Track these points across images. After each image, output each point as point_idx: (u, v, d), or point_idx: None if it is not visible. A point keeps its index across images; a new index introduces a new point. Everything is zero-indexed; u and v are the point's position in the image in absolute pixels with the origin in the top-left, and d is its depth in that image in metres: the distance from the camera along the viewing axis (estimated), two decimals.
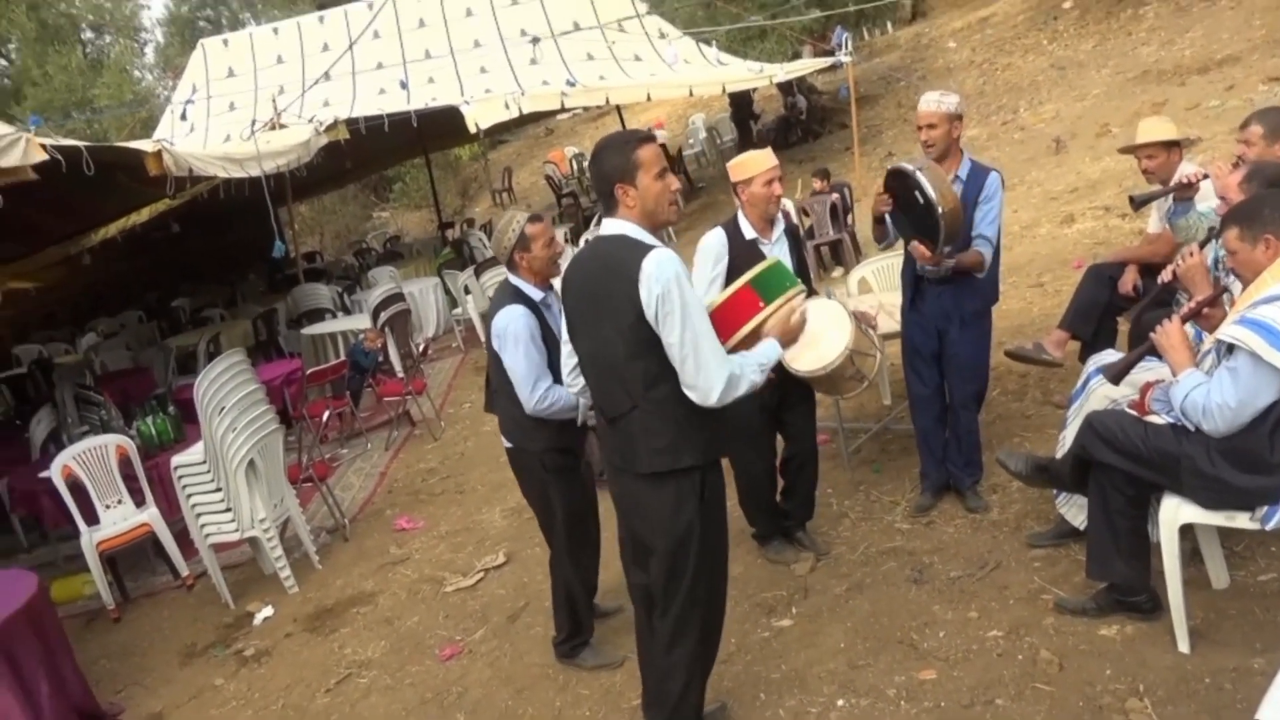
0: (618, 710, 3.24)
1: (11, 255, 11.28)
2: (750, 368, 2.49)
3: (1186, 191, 3.74)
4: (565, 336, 2.81)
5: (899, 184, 3.59)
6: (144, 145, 6.50)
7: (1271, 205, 2.66)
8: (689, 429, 2.51)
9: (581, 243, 11.54)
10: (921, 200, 3.46)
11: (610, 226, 2.53)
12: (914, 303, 3.96)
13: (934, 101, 3.79)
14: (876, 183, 4.08)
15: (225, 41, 14.63)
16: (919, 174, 3.43)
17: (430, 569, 4.94)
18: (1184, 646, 2.79)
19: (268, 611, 4.84)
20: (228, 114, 12.75)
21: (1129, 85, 11.53)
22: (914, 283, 3.93)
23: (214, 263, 17.16)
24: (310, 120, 10.24)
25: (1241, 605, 2.95)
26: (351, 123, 10.33)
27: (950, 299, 3.84)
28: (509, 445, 3.50)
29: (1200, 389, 2.62)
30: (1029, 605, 3.22)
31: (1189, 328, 2.92)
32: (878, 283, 5.60)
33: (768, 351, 2.57)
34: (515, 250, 3.32)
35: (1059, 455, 3.31)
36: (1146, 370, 3.11)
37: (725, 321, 2.62)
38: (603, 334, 2.52)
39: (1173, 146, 4.16)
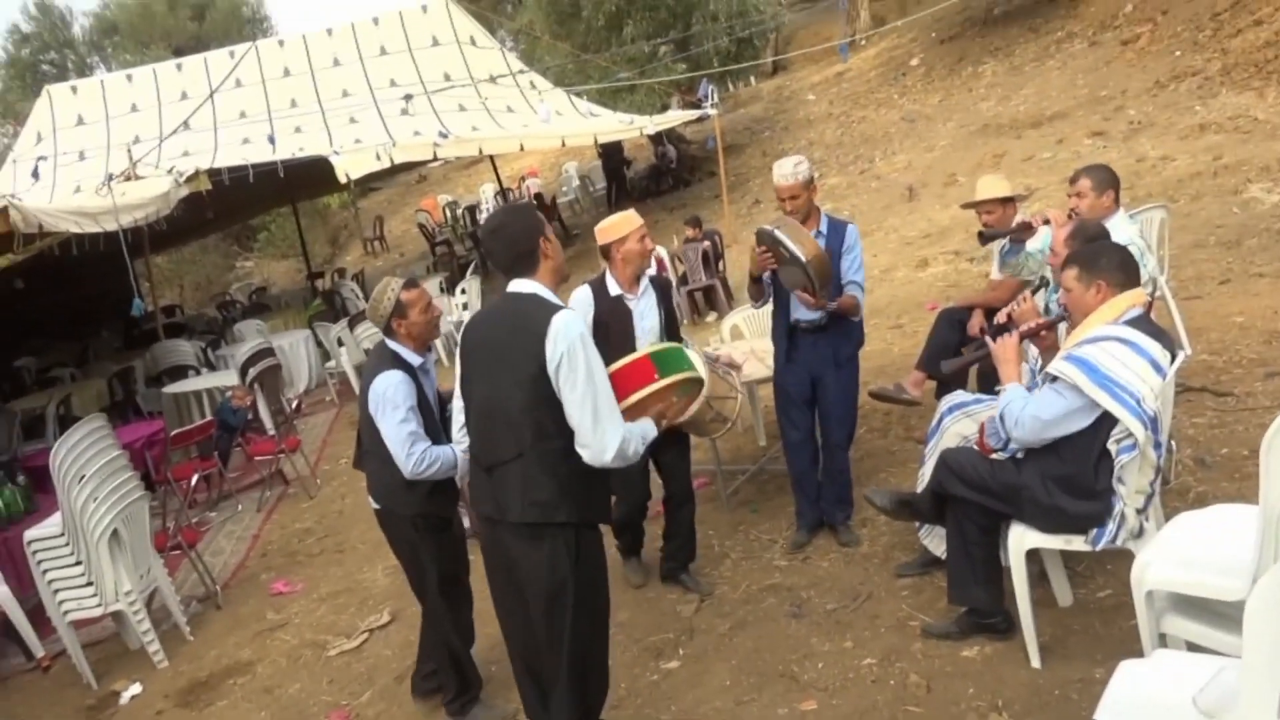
0: None
1: None
2: (636, 437, 2.58)
3: (1026, 233, 4.14)
4: (458, 389, 2.82)
5: (769, 243, 3.81)
6: None
7: (1109, 257, 2.98)
8: (571, 485, 2.57)
9: (458, 293, 11.53)
10: (788, 255, 3.69)
11: (522, 285, 2.64)
12: (789, 354, 4.13)
13: (790, 175, 3.93)
14: (745, 231, 4.30)
15: (74, 88, 13.98)
16: (777, 232, 3.69)
17: (311, 633, 4.80)
18: (1036, 662, 3.02)
19: (135, 689, 4.60)
20: (77, 164, 12.16)
21: (972, 137, 12.42)
22: (788, 335, 4.11)
23: (63, 319, 16.17)
24: (169, 171, 9.90)
25: (1084, 621, 3.22)
26: (214, 173, 10.04)
27: (826, 345, 4.05)
28: (377, 507, 3.45)
29: (1019, 400, 2.92)
30: (899, 632, 3.42)
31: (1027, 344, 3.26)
32: (749, 329, 5.84)
33: (646, 429, 2.67)
34: (393, 318, 3.31)
35: (919, 490, 3.55)
36: (988, 409, 3.38)
37: (618, 386, 2.70)
38: (501, 383, 2.58)
39: (1008, 201, 4.57)
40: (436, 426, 3.36)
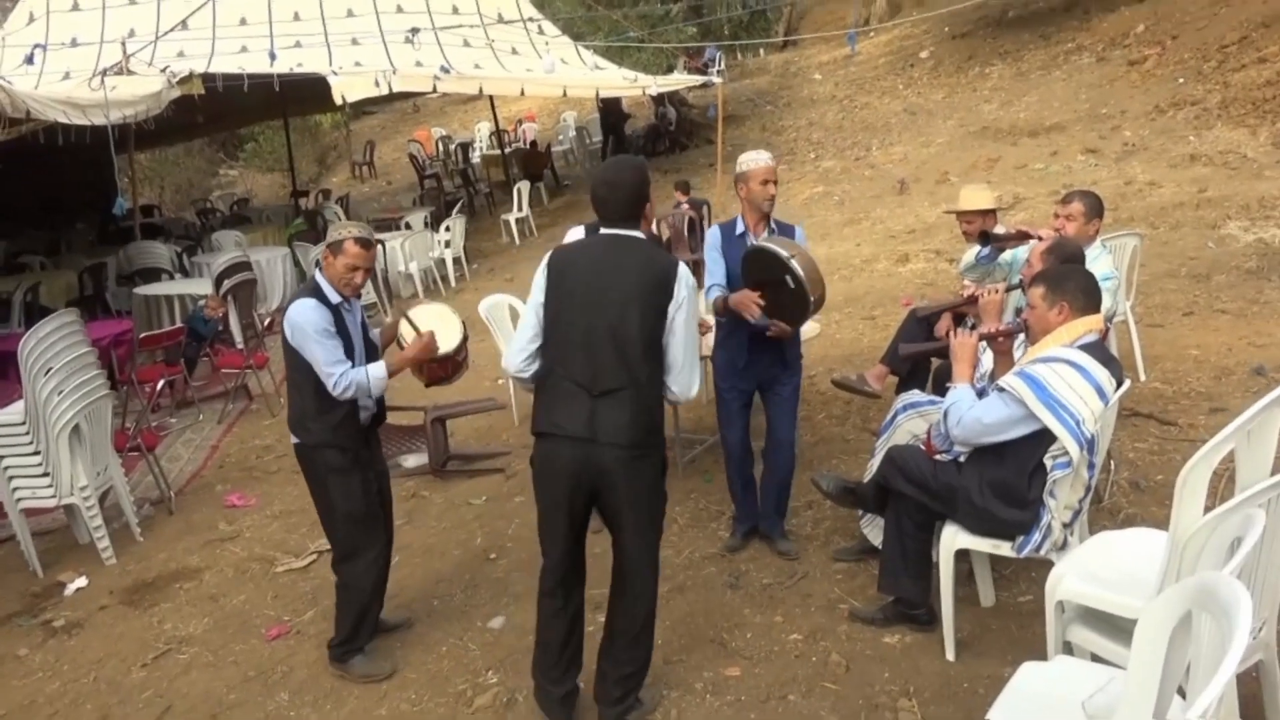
0: (442, 693, 3.38)
1: None
2: None
3: (1023, 240, 4.20)
4: (536, 313, 2.88)
5: (760, 264, 3.62)
6: None
7: (1076, 281, 3.10)
8: (660, 415, 2.93)
9: (442, 229, 11.50)
10: (791, 284, 3.52)
11: (631, 231, 2.91)
12: (746, 365, 3.95)
13: (765, 159, 3.87)
14: (736, 204, 4.23)
15: None
16: (792, 261, 3.49)
17: (261, 548, 4.89)
18: (951, 655, 3.18)
19: (81, 582, 4.67)
20: (68, 50, 11.88)
21: (970, 138, 12.50)
22: (747, 345, 3.90)
23: (36, 206, 15.90)
24: (163, 70, 9.73)
25: (1002, 622, 3.39)
26: (208, 78, 9.91)
27: (776, 349, 3.91)
28: (295, 440, 3.50)
29: (966, 402, 3.06)
30: (827, 613, 3.57)
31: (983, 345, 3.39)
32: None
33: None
34: (328, 249, 3.38)
35: (865, 480, 3.69)
36: (940, 409, 3.51)
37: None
38: (628, 317, 2.79)
39: (989, 213, 4.68)
40: (355, 357, 3.43)
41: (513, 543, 4.56)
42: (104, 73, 8.56)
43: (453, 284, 11.36)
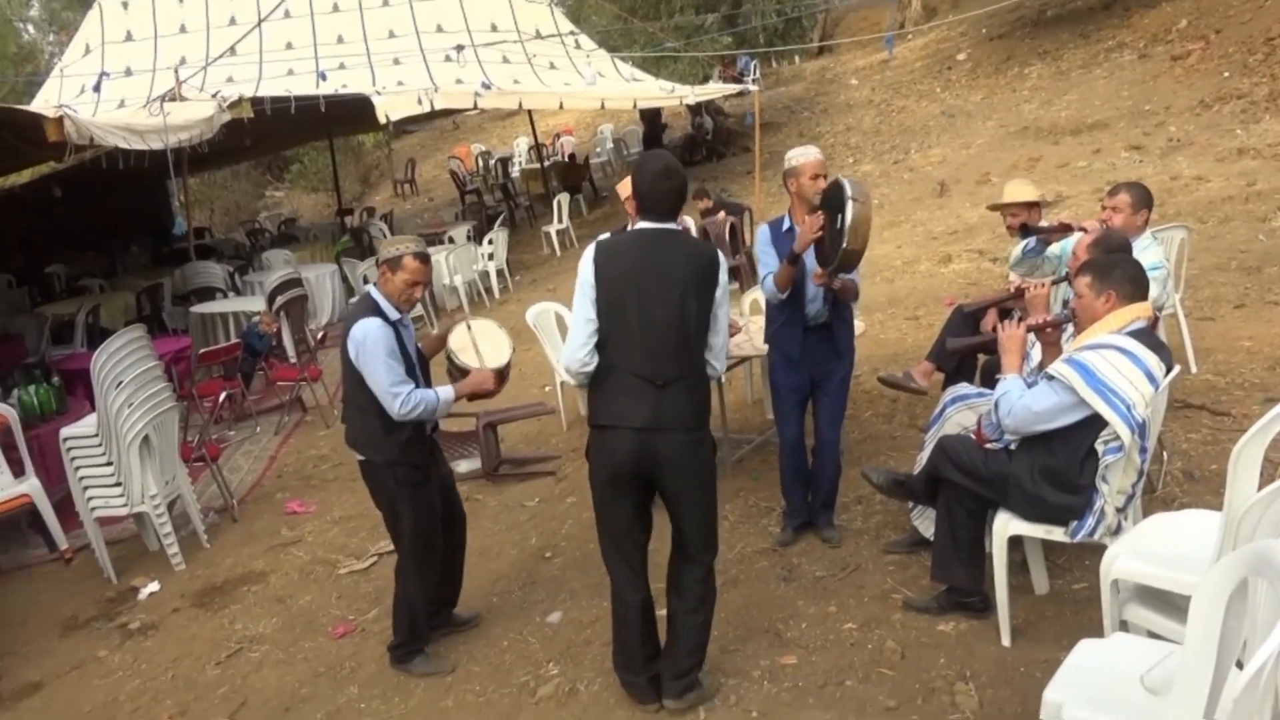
0: (506, 685, 3.47)
1: None
2: None
3: (1065, 233, 4.25)
4: (589, 309, 2.92)
5: (831, 193, 3.66)
6: (45, 110, 6.36)
7: (1124, 270, 3.13)
8: (709, 397, 3.13)
9: (485, 243, 11.68)
10: (837, 225, 3.58)
11: (671, 225, 3.00)
12: (799, 356, 4.00)
13: (815, 153, 3.93)
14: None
15: (125, 4, 14.05)
16: (850, 204, 3.49)
17: (323, 551, 5.05)
18: (1006, 641, 3.21)
19: (154, 587, 4.86)
20: (124, 79, 12.32)
21: (1010, 139, 12.43)
22: (803, 335, 3.98)
23: (94, 230, 16.44)
24: (214, 95, 10.05)
25: (1057, 609, 3.41)
26: (257, 102, 10.20)
27: (829, 341, 4.00)
28: (360, 458, 3.56)
29: (1016, 391, 3.09)
30: (881, 603, 3.61)
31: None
32: (753, 307, 5.98)
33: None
34: (385, 264, 3.45)
35: (916, 472, 3.73)
36: (989, 403, 3.54)
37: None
38: (687, 308, 2.91)
39: (1033, 206, 4.69)
40: (415, 374, 3.50)
41: (566, 541, 4.65)
42: (161, 99, 8.87)
43: (496, 296, 11.53)
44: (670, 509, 3.06)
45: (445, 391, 3.51)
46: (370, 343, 3.32)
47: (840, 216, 3.56)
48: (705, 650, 3.16)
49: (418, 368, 3.57)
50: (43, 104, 11.17)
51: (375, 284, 3.55)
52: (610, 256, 2.96)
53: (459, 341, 3.79)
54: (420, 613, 3.63)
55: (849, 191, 3.53)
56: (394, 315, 3.46)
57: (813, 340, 3.99)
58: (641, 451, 2.92)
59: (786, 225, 3.99)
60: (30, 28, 27.70)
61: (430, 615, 3.71)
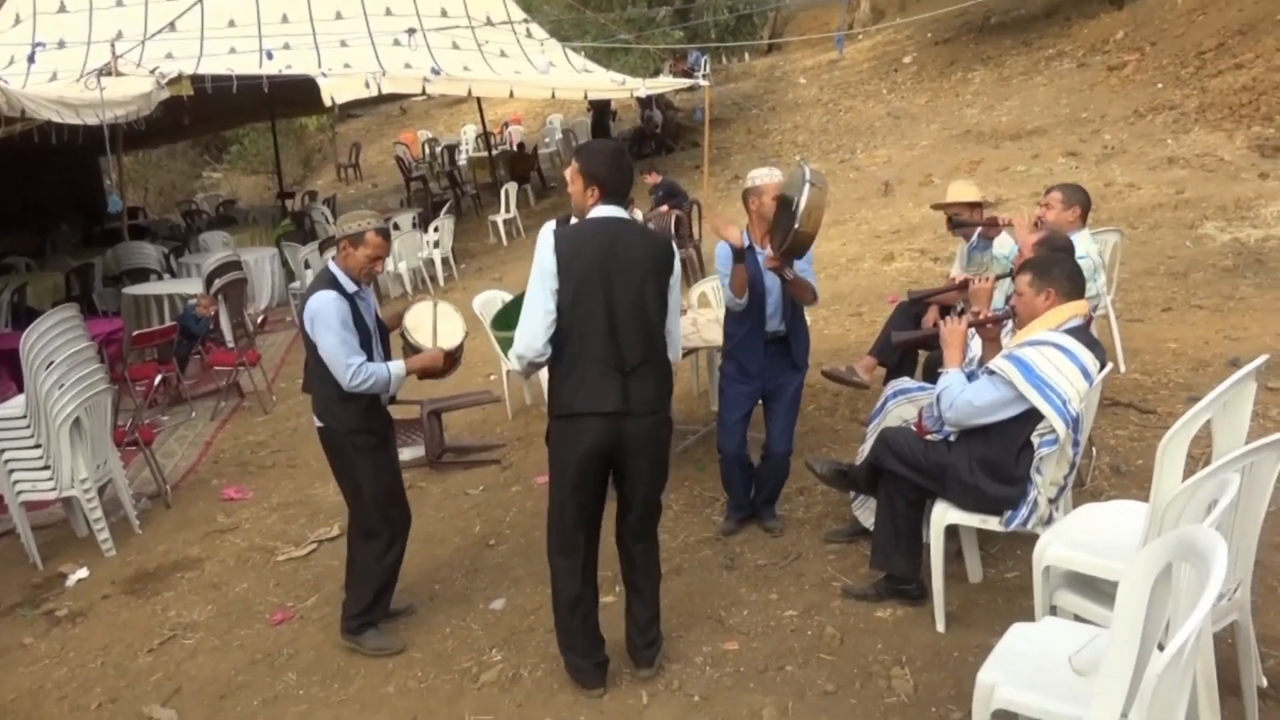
0: (448, 671, 3.46)
1: None
2: None
3: (993, 230, 4.39)
4: (549, 299, 2.91)
5: (791, 181, 3.72)
6: None
7: (1061, 268, 3.23)
8: (671, 380, 3.18)
9: (431, 230, 11.55)
10: (791, 207, 3.59)
11: (621, 212, 3.05)
12: (758, 369, 4.02)
13: (778, 176, 3.97)
14: (721, 204, 4.39)
15: None
16: (807, 187, 3.52)
17: (260, 538, 4.95)
18: (941, 627, 3.30)
19: (83, 573, 4.72)
20: (56, 51, 11.89)
21: (953, 141, 12.70)
22: (763, 350, 4.00)
23: (20, 207, 15.85)
24: (152, 71, 9.77)
25: (990, 596, 3.51)
26: (197, 80, 9.95)
27: (787, 353, 4.04)
28: (320, 425, 3.60)
29: (958, 385, 3.18)
30: (821, 590, 3.68)
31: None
32: (716, 298, 6.04)
33: None
34: (346, 239, 3.44)
35: (858, 463, 3.80)
36: (929, 396, 3.63)
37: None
38: (646, 293, 2.98)
39: (975, 207, 4.82)
40: (372, 346, 3.53)
41: (510, 529, 4.64)
42: (97, 73, 8.59)
43: (441, 284, 11.42)
44: (626, 488, 3.10)
45: (396, 366, 3.53)
46: (324, 314, 3.34)
47: (796, 199, 3.58)
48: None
49: (376, 338, 3.59)
50: None
51: (333, 259, 3.54)
52: (573, 245, 2.95)
53: (415, 320, 3.81)
54: (388, 582, 3.66)
55: (807, 175, 3.57)
56: (351, 288, 3.47)
57: (771, 353, 4.02)
58: (611, 437, 2.97)
59: (747, 241, 3.96)
60: None
61: (392, 586, 3.72)
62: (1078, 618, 2.66)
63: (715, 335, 4.97)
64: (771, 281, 3.92)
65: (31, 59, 9.94)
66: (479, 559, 4.37)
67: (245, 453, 6.50)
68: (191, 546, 4.96)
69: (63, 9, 12.78)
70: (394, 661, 3.56)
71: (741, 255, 3.80)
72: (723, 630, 3.48)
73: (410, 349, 3.74)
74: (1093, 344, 3.19)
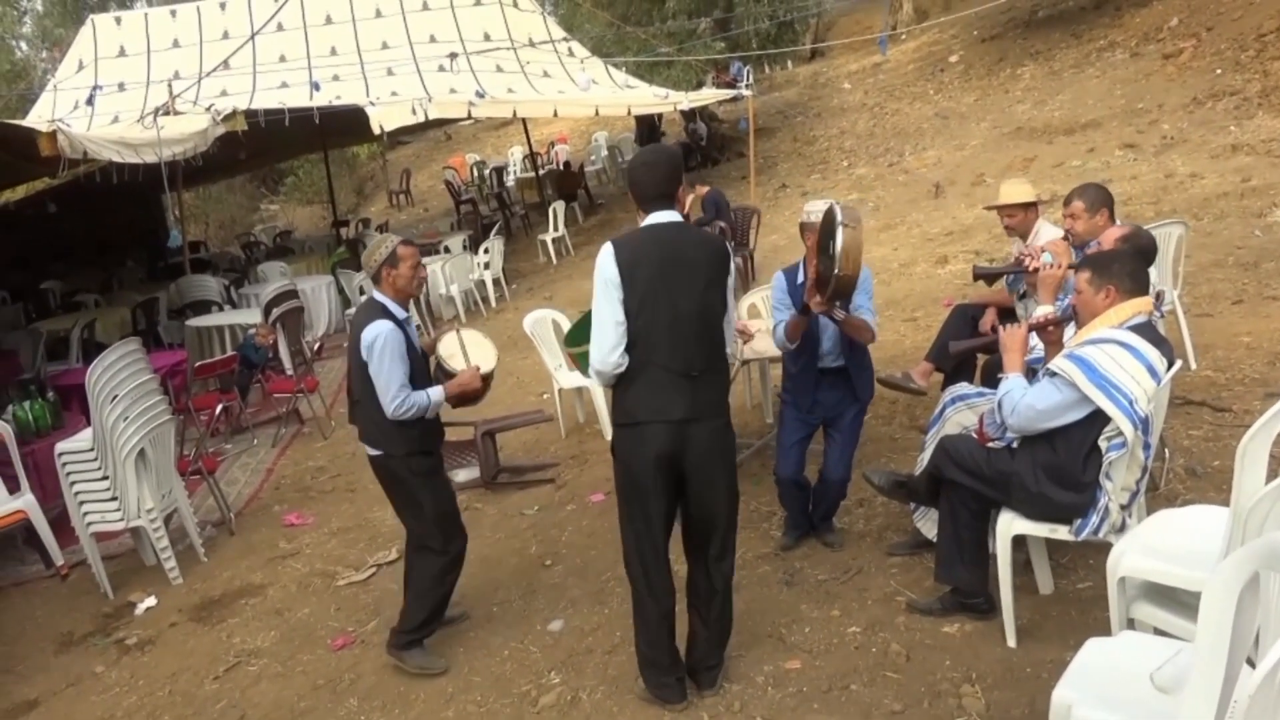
0: (507, 694, 3.43)
1: None
2: None
3: (1019, 268, 4.17)
4: (618, 310, 2.92)
5: (825, 222, 3.60)
6: (38, 125, 6.34)
7: (1122, 264, 3.11)
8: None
9: (481, 252, 11.65)
10: (829, 251, 3.50)
11: (671, 216, 3.02)
12: (811, 405, 3.97)
13: (821, 208, 3.77)
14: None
15: (118, 19, 14.12)
16: (840, 229, 3.38)
17: (321, 563, 5.00)
18: (1012, 642, 3.18)
19: (150, 602, 4.81)
20: (117, 94, 12.31)
21: (1004, 139, 12.43)
22: (815, 383, 3.94)
23: (89, 245, 16.41)
24: (208, 108, 10.04)
25: (1062, 609, 3.38)
26: (251, 114, 10.18)
27: (846, 385, 3.94)
28: (374, 454, 3.63)
29: (1019, 390, 3.07)
30: (884, 605, 3.58)
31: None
32: (766, 309, 5.96)
33: None
34: (384, 266, 3.53)
35: (917, 473, 3.70)
36: (988, 402, 3.52)
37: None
38: (710, 299, 2.99)
39: (1030, 206, 4.67)
40: (420, 372, 3.61)
41: (566, 549, 4.62)
42: (155, 113, 8.85)
43: (493, 304, 11.51)
44: (696, 500, 3.07)
45: (435, 392, 3.59)
46: (380, 345, 3.41)
47: (831, 243, 3.49)
48: (729, 637, 3.26)
49: (421, 367, 3.67)
50: (36, 119, 11.16)
51: (377, 288, 3.61)
52: (633, 255, 2.96)
53: (448, 348, 3.88)
54: (443, 600, 3.73)
55: (839, 217, 3.45)
56: (401, 315, 3.56)
57: (826, 385, 3.94)
58: (679, 443, 2.96)
59: (801, 278, 3.92)
60: (23, 44, 27.73)
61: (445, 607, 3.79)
62: (1158, 631, 2.54)
63: (766, 346, 4.91)
64: (825, 322, 3.84)
65: (90, 101, 10.27)
66: (536, 580, 4.36)
67: (305, 478, 6.59)
68: (255, 573, 5.03)
69: (122, 53, 13.26)
70: (453, 686, 3.55)
71: (807, 309, 3.71)
72: (784, 649, 3.41)
73: (445, 376, 3.79)
74: (1159, 341, 3.05)
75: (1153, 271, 4.07)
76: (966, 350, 4.16)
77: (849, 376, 3.95)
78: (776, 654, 3.38)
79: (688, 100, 13.19)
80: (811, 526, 4.23)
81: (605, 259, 2.95)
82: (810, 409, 3.99)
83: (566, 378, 6.10)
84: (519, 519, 5.12)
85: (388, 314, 3.51)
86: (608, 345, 2.95)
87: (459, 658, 3.75)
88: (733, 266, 3.08)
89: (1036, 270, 3.55)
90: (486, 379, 3.84)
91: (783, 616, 3.62)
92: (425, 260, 11.27)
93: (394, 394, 3.42)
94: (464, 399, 3.78)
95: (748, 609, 3.72)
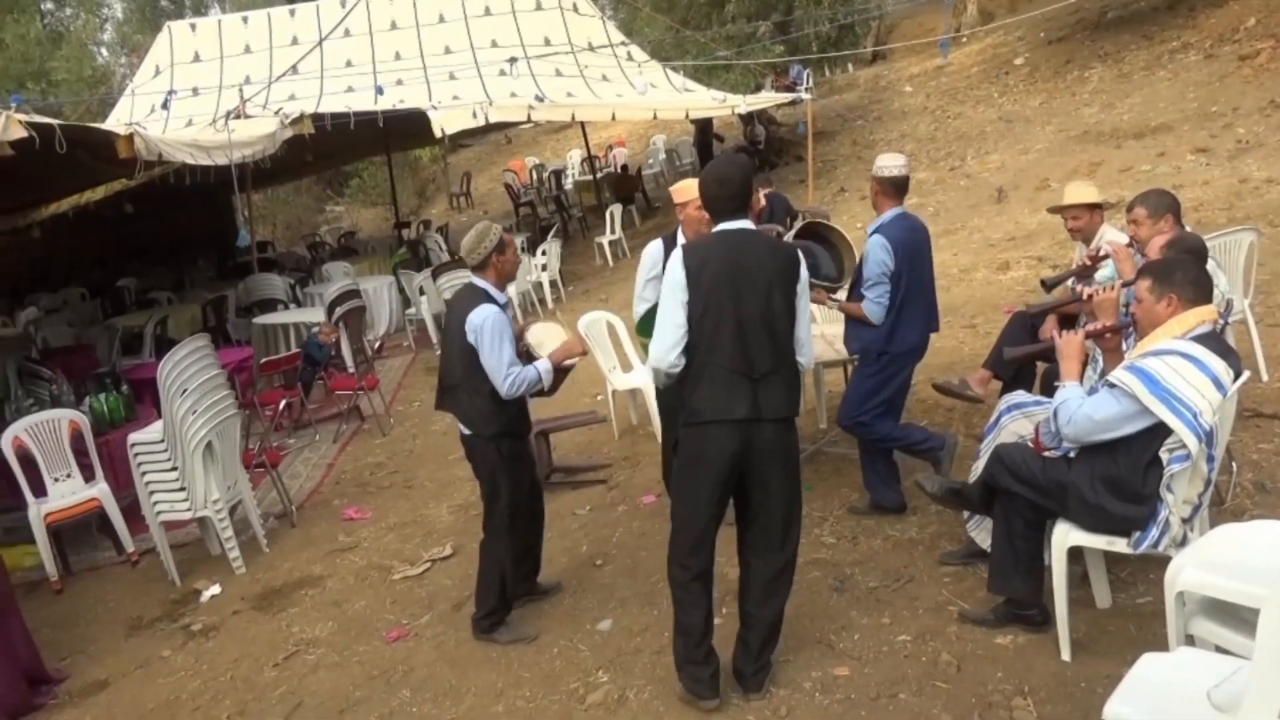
0: (556, 691, 3.48)
1: None
2: None
3: (1088, 272, 4.16)
4: (679, 312, 3.02)
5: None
6: (116, 128, 6.59)
7: (1185, 272, 3.03)
8: (800, 387, 3.23)
9: (539, 254, 11.78)
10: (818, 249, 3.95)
11: (740, 223, 3.10)
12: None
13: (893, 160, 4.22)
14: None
15: (193, 26, 14.58)
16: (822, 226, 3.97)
17: (378, 557, 5.12)
18: (1066, 655, 3.12)
19: (215, 589, 4.97)
20: (191, 98, 12.73)
21: (1070, 143, 12.17)
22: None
23: (162, 245, 16.99)
24: (276, 112, 10.32)
25: (1120, 623, 3.30)
26: (318, 118, 10.44)
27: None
28: (467, 433, 3.85)
29: (1076, 399, 3.01)
30: (936, 615, 3.54)
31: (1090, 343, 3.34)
32: (821, 313, 5.93)
33: None
34: (494, 253, 3.74)
35: (971, 481, 3.65)
36: (1046, 410, 3.46)
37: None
38: (774, 303, 3.03)
39: (1095, 208, 4.57)
40: (517, 354, 3.80)
41: (617, 550, 4.65)
42: (226, 116, 9.12)
43: (549, 306, 11.61)
44: (755, 501, 3.12)
45: (543, 364, 3.80)
46: (489, 327, 3.62)
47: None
48: (779, 636, 3.27)
49: (517, 346, 3.87)
50: (115, 123, 11.58)
51: (479, 275, 3.80)
52: (701, 259, 3.05)
53: (536, 339, 4.05)
54: (508, 580, 3.89)
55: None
56: (502, 299, 3.78)
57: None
58: (741, 445, 3.02)
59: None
60: (103, 51, 28.78)
61: (516, 583, 3.95)
62: (1218, 648, 2.48)
63: (820, 351, 4.89)
64: None
65: (166, 106, 10.62)
66: (586, 579, 4.40)
67: (365, 474, 6.73)
68: (314, 565, 5.17)
69: (196, 59, 13.70)
70: (503, 681, 3.61)
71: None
72: (833, 655, 3.39)
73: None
74: (1226, 352, 2.97)
75: (1221, 278, 3.99)
76: (1022, 356, 4.11)
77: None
78: (825, 660, 3.37)
79: (745, 103, 13.17)
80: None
81: (674, 261, 3.06)
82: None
83: (620, 379, 6.14)
84: (571, 519, 5.17)
85: (490, 298, 3.72)
86: (666, 344, 3.05)
87: (509, 654, 3.80)
88: (804, 273, 3.11)
89: (1092, 298, 3.50)
90: (567, 369, 4.00)
91: (832, 622, 3.61)
92: None
93: (505, 371, 3.63)
94: (570, 357, 3.96)
95: (797, 613, 3.71)
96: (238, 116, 10.11)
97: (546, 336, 4.08)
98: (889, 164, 4.22)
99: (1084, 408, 2.96)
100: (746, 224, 3.11)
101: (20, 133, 4.96)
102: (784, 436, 3.10)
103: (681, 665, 3.22)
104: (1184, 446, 2.82)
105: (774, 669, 3.26)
